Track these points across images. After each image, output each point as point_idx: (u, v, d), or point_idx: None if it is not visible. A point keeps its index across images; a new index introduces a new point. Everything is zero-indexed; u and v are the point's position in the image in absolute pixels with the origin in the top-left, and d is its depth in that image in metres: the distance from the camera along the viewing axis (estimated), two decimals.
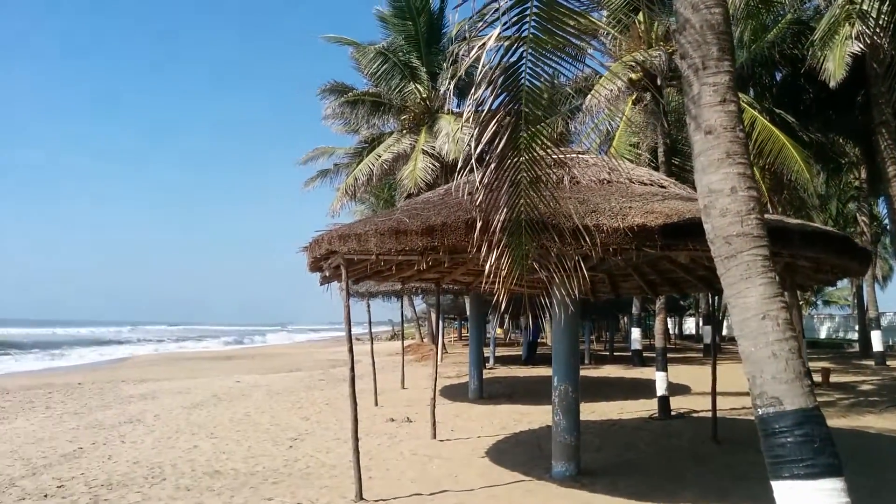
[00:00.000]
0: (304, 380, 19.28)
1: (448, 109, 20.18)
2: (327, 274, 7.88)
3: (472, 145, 4.64)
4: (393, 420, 11.15)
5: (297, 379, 19.67)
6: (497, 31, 4.47)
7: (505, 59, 4.74)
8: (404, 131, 20.50)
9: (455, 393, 14.94)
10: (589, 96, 13.18)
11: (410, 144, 19.67)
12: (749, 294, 3.82)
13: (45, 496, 6.59)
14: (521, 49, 4.75)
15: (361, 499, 6.35)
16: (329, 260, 7.17)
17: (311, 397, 14.73)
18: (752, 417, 3.84)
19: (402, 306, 21.22)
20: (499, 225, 4.93)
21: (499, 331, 35.08)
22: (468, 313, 17.90)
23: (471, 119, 4.68)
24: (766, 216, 4.11)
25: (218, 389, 16.54)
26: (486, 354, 20.69)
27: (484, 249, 5.07)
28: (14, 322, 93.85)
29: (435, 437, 9.49)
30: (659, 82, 12.70)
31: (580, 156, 7.12)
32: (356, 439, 6.56)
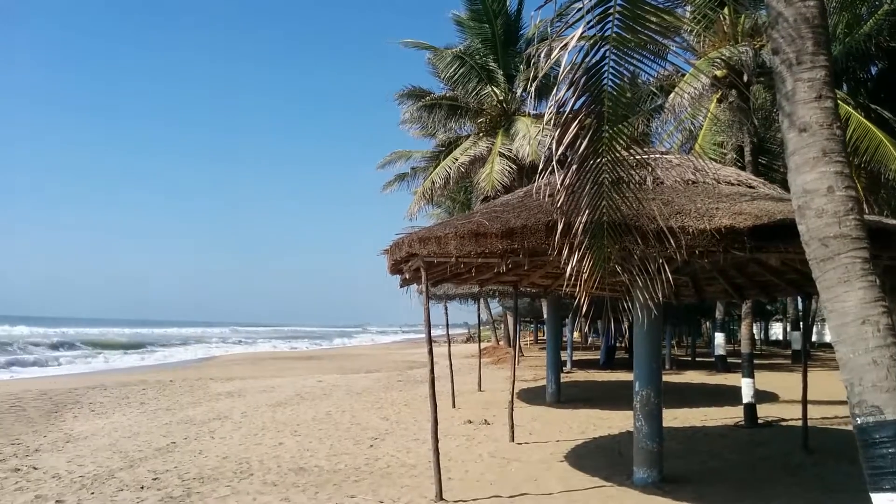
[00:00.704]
0: (382, 381, 19.58)
1: (525, 112, 20.11)
2: (407, 276, 7.99)
3: (553, 147, 4.61)
4: (471, 422, 11.18)
5: (376, 380, 19.99)
6: (579, 30, 4.42)
7: (587, 60, 4.70)
8: (481, 134, 20.53)
9: (532, 396, 14.85)
10: (672, 94, 12.84)
11: (487, 147, 19.68)
12: (847, 298, 3.65)
13: (142, 488, 6.92)
14: (604, 48, 4.69)
15: (441, 499, 6.40)
16: (409, 262, 7.26)
17: (390, 398, 14.94)
18: (847, 427, 3.68)
19: (478, 309, 21.22)
20: (580, 227, 4.88)
21: (576, 334, 34.62)
22: (545, 316, 17.77)
23: (552, 121, 4.65)
24: (864, 217, 3.91)
25: (301, 388, 17.00)
26: (563, 358, 20.46)
27: (565, 252, 5.03)
28: (133, 322, 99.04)
29: (513, 440, 9.46)
30: (746, 79, 12.27)
31: (663, 156, 6.97)
32: (436, 440, 6.61)
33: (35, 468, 7.86)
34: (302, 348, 52.02)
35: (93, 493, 6.69)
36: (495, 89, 20.21)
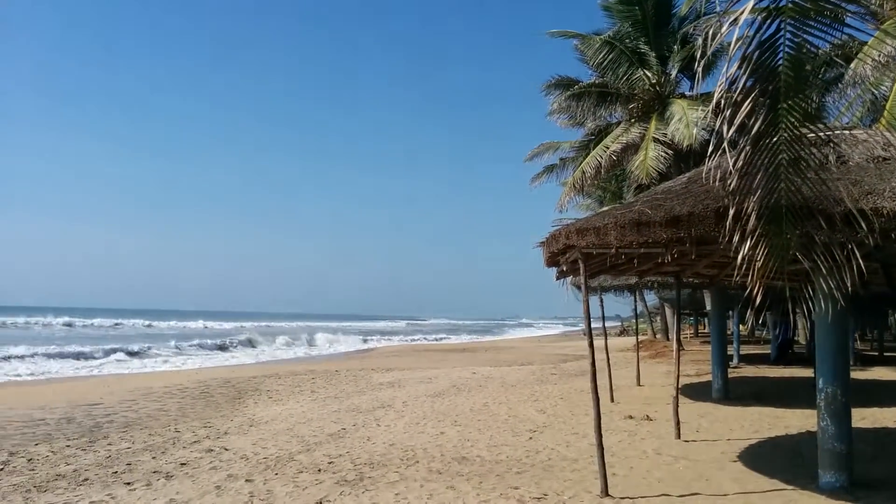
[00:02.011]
0: (535, 373, 19.54)
1: (681, 94, 19.23)
2: (564, 268, 7.91)
3: (724, 128, 4.36)
4: (632, 417, 10.87)
5: (529, 372, 19.99)
6: (750, 3, 4.16)
7: (760, 33, 4.40)
8: (633, 120, 19.88)
9: (697, 392, 14.18)
10: (855, 62, 11.72)
11: (640, 133, 19.03)
12: None
13: (319, 470, 7.37)
14: (779, 20, 4.38)
15: (607, 495, 6.27)
16: (566, 254, 7.17)
17: (545, 391, 14.87)
18: None
19: (634, 301, 20.61)
20: (755, 212, 4.59)
21: (741, 327, 32.68)
22: (708, 308, 16.90)
23: (722, 100, 4.40)
24: None
25: (457, 380, 17.35)
26: (728, 352, 19.38)
27: (737, 239, 4.75)
28: (301, 316, 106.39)
29: (679, 437, 9.08)
30: None
31: (847, 131, 6.38)
32: (599, 434, 6.49)
33: (226, 449, 8.61)
34: (454, 341, 53.12)
35: (276, 474, 7.22)
36: (647, 72, 19.49)
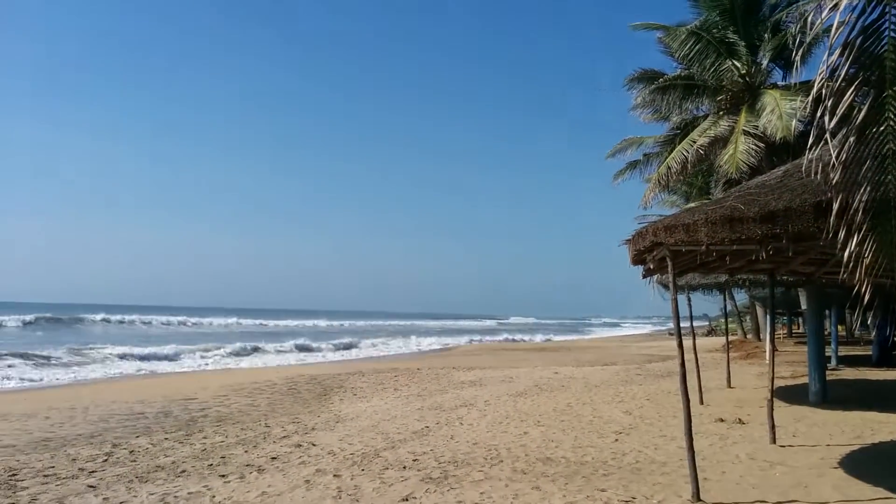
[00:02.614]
0: (619, 373, 19.16)
1: (773, 84, 18.42)
2: (651, 266, 7.71)
3: (826, 119, 4.15)
4: (723, 420, 10.50)
5: (613, 372, 19.61)
6: None
7: (863, 18, 4.17)
8: (721, 113, 19.18)
9: (792, 395, 13.56)
10: None
11: (729, 126, 18.34)
12: None
13: (404, 467, 7.46)
14: (883, 4, 4.14)
15: (699, 500, 6.08)
16: (653, 252, 6.98)
17: (630, 391, 14.55)
18: None
19: (724, 300, 19.90)
20: (861, 206, 4.34)
21: (839, 327, 31.04)
22: (804, 307, 16.13)
23: (823, 89, 4.18)
24: None
25: (538, 379, 17.22)
26: (826, 353, 18.45)
27: (841, 235, 4.50)
28: (386, 315, 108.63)
29: (774, 442, 8.70)
30: None
31: None
32: (690, 437, 6.29)
33: (313, 444, 8.84)
34: (534, 340, 52.76)
35: (363, 470, 7.36)
36: (736, 63, 18.76)
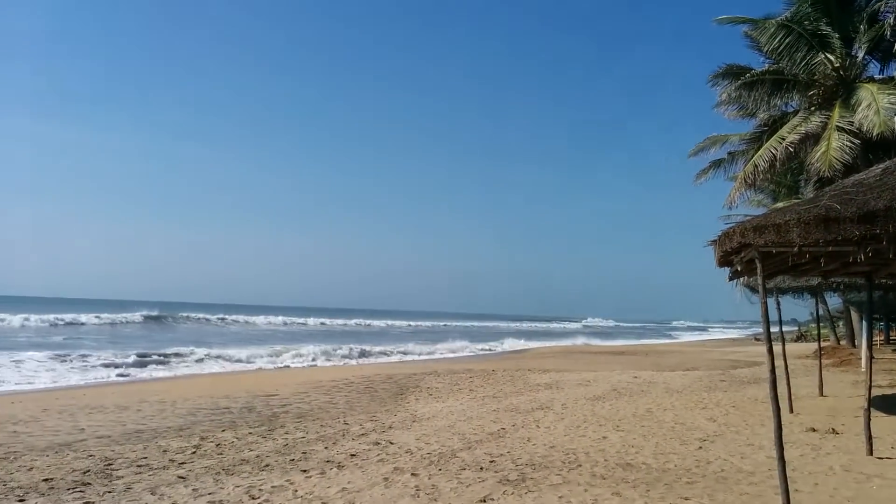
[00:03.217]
0: (702, 379, 18.56)
1: (870, 77, 17.45)
2: (738, 269, 7.41)
3: None
4: (815, 430, 10.01)
5: (695, 378, 19.01)
6: None
7: None
8: (813, 108, 18.30)
9: (891, 405, 12.80)
10: None
11: (821, 122, 17.46)
12: None
13: (481, 468, 7.44)
14: None
15: None
16: (741, 254, 6.72)
17: (714, 398, 14.07)
18: None
19: (816, 304, 18.99)
20: None
21: None
22: None
23: None
24: None
25: (616, 383, 16.88)
26: None
27: None
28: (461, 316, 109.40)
29: (871, 454, 8.22)
30: None
31: None
32: (780, 446, 6.00)
33: (391, 443, 8.94)
34: (611, 343, 51.80)
35: (440, 469, 7.38)
36: (829, 56, 17.86)
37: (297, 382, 16.57)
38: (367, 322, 71.28)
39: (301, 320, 66.89)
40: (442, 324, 79.35)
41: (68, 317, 45.96)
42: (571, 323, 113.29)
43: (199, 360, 24.21)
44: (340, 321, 70.62)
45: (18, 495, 6.36)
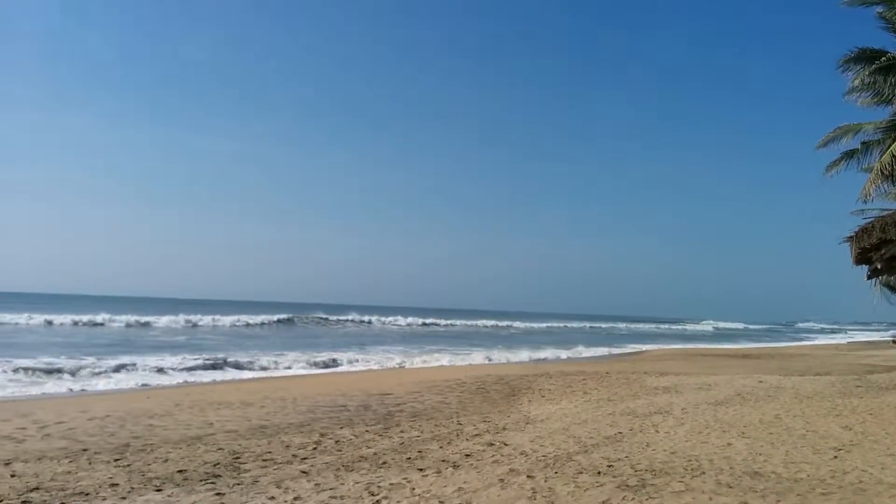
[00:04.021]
0: (835, 384, 17.33)
1: None
2: (878, 266, 6.89)
3: None
4: None
5: (828, 383, 17.78)
6: None
7: None
8: None
9: None
10: None
11: None
12: None
13: (599, 473, 7.27)
14: None
15: None
16: (881, 250, 6.24)
17: (849, 404, 13.10)
18: None
19: None
20: None
21: None
22: None
23: None
24: None
25: (741, 388, 16.06)
26: None
27: None
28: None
29: None
30: None
31: None
32: None
33: (505, 444, 8.91)
34: (732, 346, 49.44)
35: (556, 472, 7.27)
36: None
37: (411, 382, 16.84)
38: (494, 323, 71.73)
39: (432, 321, 67.71)
40: (562, 325, 78.57)
41: (207, 318, 49.00)
42: (690, 325, 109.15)
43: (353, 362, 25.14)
44: (464, 322, 71.26)
45: (156, 485, 6.80)
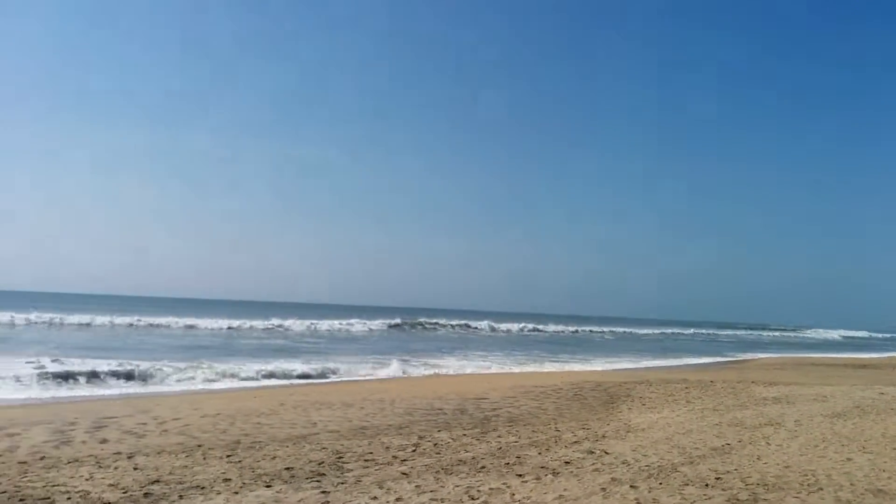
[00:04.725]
0: None
1: None
2: None
3: None
4: None
5: None
6: None
7: None
8: None
9: None
10: None
11: None
12: None
13: (707, 485, 6.98)
14: None
15: None
16: None
17: None
18: None
19: None
20: None
21: None
22: None
23: None
24: None
25: (860, 400, 15.07)
26: None
27: None
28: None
29: None
30: None
31: None
32: None
33: (606, 452, 8.70)
34: (846, 355, 46.47)
35: (660, 483, 7.03)
36: None
37: (506, 387, 16.77)
38: (598, 329, 70.92)
39: (538, 326, 67.44)
40: (670, 331, 76.50)
41: (336, 323, 51.06)
42: (807, 332, 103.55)
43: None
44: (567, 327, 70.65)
45: (265, 481, 7.05)
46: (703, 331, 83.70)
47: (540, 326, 67.55)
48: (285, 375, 19.69)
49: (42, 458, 7.79)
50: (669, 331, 77.98)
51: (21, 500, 6.13)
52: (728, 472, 7.63)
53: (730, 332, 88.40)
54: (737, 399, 15.00)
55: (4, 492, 6.36)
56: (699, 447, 9.11)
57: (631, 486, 6.88)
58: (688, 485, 7.00)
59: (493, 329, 61.99)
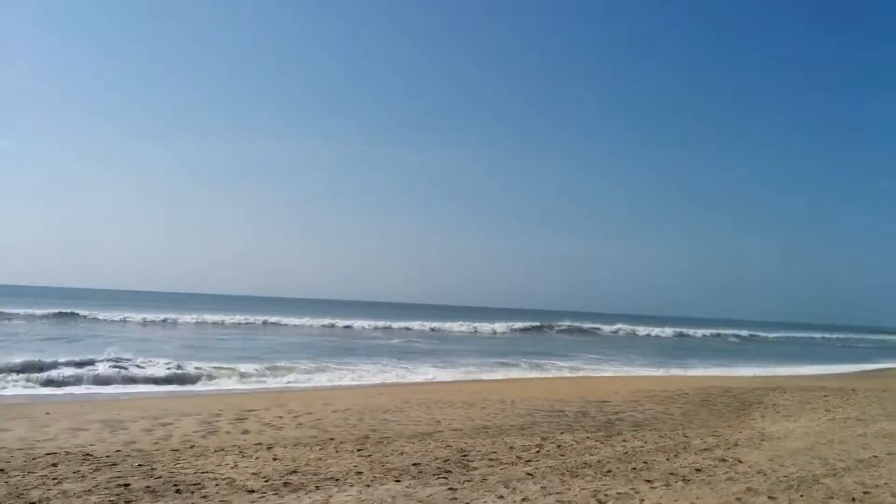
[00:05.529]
0: None
1: None
2: None
3: None
4: None
5: None
6: None
7: None
8: None
9: None
10: None
11: None
12: None
13: (853, 499, 6.57)
14: None
15: None
16: None
17: None
18: None
19: None
20: None
21: None
22: None
23: None
24: None
25: None
26: None
27: None
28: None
29: None
30: None
31: None
32: None
33: (739, 461, 8.35)
34: None
35: (801, 495, 6.68)
36: None
37: (628, 390, 16.41)
38: (728, 332, 68.16)
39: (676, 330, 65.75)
40: (801, 335, 72.32)
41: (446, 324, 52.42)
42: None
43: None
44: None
45: (394, 475, 7.29)
46: (834, 335, 78.05)
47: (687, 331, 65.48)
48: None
49: (192, 447, 8.44)
50: (798, 335, 73.44)
51: (175, 485, 6.67)
52: (877, 486, 7.13)
53: (867, 336, 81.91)
54: (883, 409, 13.95)
55: (160, 477, 6.94)
56: (843, 459, 8.56)
57: (769, 497, 6.58)
58: (832, 498, 6.61)
59: (634, 334, 60.59)
